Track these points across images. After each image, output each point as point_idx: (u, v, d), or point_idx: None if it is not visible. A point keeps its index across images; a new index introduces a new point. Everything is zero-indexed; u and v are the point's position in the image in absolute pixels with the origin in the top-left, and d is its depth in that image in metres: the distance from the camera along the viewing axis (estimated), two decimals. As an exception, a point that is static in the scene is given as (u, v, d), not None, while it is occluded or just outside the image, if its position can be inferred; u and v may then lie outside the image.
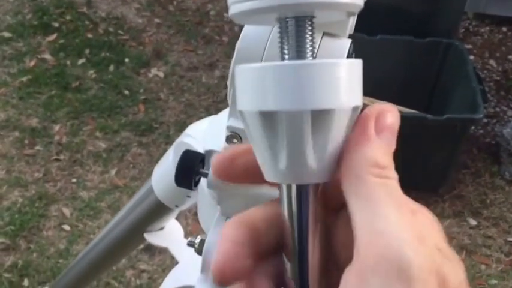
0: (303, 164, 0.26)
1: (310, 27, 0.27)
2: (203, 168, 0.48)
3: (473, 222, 1.86)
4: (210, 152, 0.48)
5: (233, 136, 0.44)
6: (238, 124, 0.43)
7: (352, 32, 0.42)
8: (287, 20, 0.26)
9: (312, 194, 0.27)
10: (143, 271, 1.66)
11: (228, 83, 0.43)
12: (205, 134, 0.51)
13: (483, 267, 1.73)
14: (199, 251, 0.49)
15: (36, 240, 1.73)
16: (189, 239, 0.50)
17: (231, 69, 0.42)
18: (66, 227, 1.77)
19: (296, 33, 0.27)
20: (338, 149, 0.26)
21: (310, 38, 0.27)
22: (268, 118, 0.25)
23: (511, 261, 1.75)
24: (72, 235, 1.74)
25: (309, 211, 0.28)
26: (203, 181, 0.50)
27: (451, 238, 1.80)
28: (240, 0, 0.25)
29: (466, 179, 2.00)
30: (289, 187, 0.27)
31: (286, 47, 0.27)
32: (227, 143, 0.45)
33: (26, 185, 1.89)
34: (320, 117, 0.25)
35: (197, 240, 0.49)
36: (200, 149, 0.50)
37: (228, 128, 0.44)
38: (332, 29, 0.40)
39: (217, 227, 0.48)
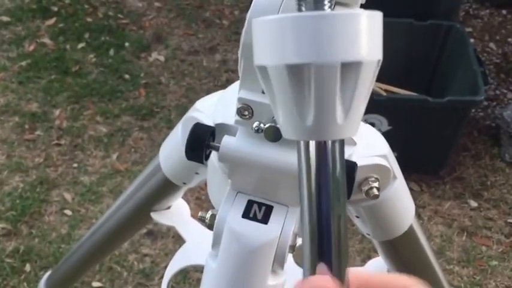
0: (330, 119, 0.25)
1: None
2: (213, 141, 0.47)
3: (473, 204, 1.86)
4: (220, 126, 0.48)
5: (244, 108, 0.44)
6: (249, 96, 0.43)
7: (364, 1, 0.41)
8: None
9: (333, 151, 0.27)
10: (146, 255, 1.66)
11: (239, 53, 0.43)
12: (216, 108, 0.50)
13: (484, 248, 1.74)
14: (210, 226, 0.48)
15: (37, 225, 1.72)
16: (200, 214, 0.50)
17: (242, 38, 0.41)
18: (68, 212, 1.77)
19: None
20: (363, 103, 0.26)
21: None
22: (295, 71, 0.25)
23: (511, 242, 1.76)
24: (74, 220, 1.74)
25: (329, 169, 0.27)
26: (213, 155, 0.50)
27: (452, 220, 1.80)
28: None
29: (467, 161, 2.00)
30: (307, 144, 0.27)
31: None
32: (238, 115, 0.44)
33: (26, 170, 1.89)
34: (349, 69, 0.24)
35: (208, 215, 0.49)
36: (210, 123, 0.49)
37: (240, 99, 0.43)
38: None
39: (228, 201, 0.48)
